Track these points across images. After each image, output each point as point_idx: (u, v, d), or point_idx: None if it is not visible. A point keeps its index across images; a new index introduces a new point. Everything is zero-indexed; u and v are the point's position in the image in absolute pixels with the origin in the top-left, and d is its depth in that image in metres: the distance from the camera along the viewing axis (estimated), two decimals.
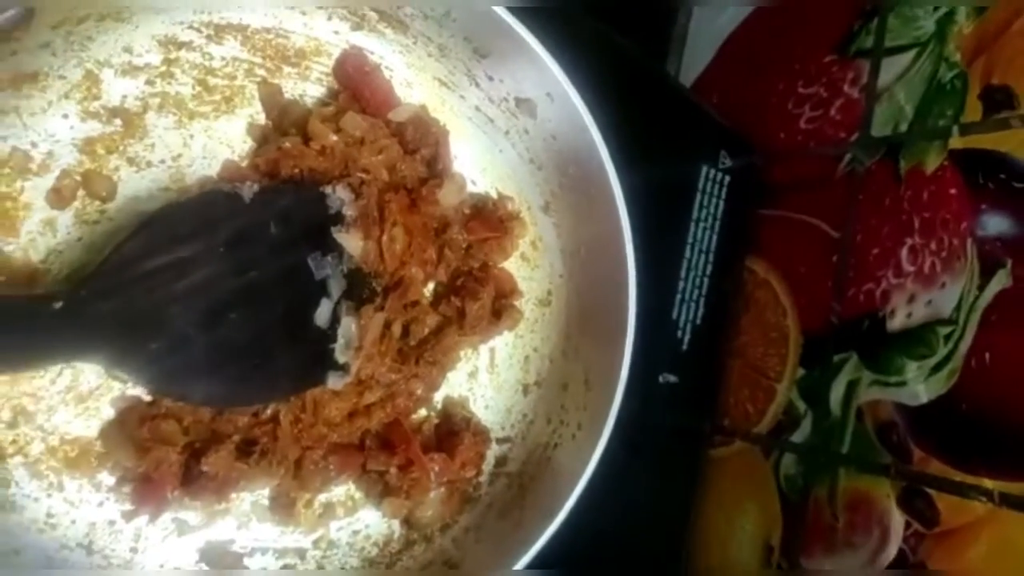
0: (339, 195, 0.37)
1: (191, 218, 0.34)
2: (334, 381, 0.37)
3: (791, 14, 0.59)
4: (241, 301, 0.34)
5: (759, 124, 0.59)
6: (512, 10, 0.36)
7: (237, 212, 0.35)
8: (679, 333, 0.56)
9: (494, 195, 0.44)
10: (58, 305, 0.31)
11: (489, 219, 0.42)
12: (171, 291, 0.33)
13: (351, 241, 0.36)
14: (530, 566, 0.37)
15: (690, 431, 0.58)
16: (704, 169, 0.56)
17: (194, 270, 0.33)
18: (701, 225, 0.57)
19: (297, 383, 0.37)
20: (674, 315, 0.56)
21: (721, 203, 0.57)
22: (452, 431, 0.42)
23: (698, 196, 0.56)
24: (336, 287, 0.37)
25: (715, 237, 0.57)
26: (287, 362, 0.36)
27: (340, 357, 0.37)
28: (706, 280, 0.57)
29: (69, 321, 0.31)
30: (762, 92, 0.60)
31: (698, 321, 0.57)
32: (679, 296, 0.56)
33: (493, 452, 0.44)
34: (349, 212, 0.37)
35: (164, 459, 0.36)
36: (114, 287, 0.32)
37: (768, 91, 0.59)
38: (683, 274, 0.56)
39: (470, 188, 0.43)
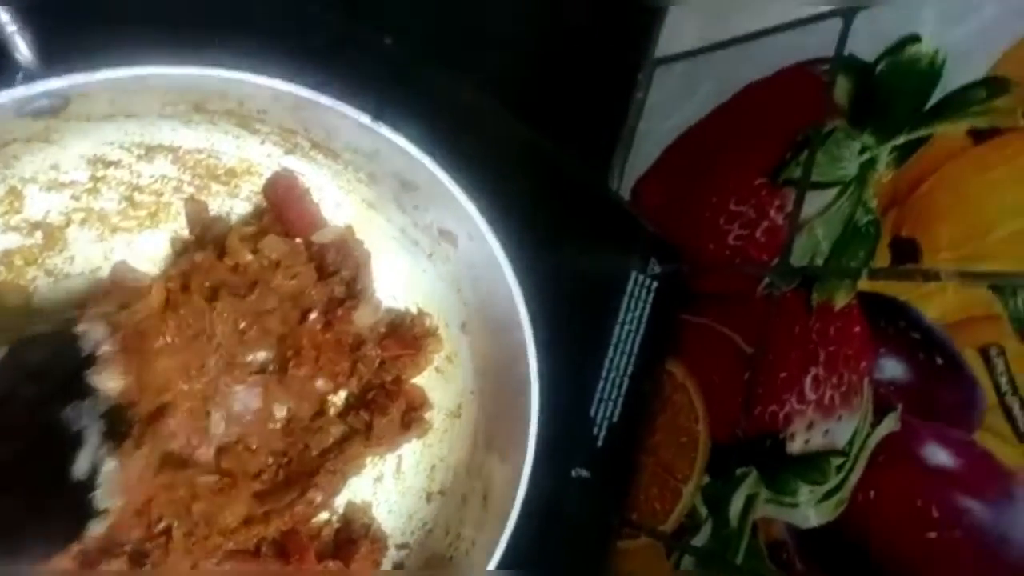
0: (92, 336, 0.34)
1: None
2: (94, 528, 0.34)
3: (732, 132, 0.61)
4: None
5: (692, 232, 0.62)
6: (444, 126, 0.37)
7: None
8: (595, 430, 0.58)
9: (414, 311, 0.45)
10: None
11: (404, 337, 0.43)
12: None
13: (106, 382, 0.33)
14: None
15: (600, 525, 0.60)
16: (633, 274, 0.59)
17: None
18: (626, 328, 0.59)
19: (63, 542, 0.34)
20: (592, 412, 0.58)
21: (647, 307, 0.59)
22: (351, 539, 0.43)
23: (625, 300, 0.58)
24: (93, 434, 0.33)
25: (639, 339, 0.59)
26: (53, 524, 0.33)
27: (100, 504, 0.34)
28: (627, 380, 0.59)
29: None
30: (698, 201, 0.62)
31: (615, 419, 0.59)
32: (598, 394, 0.58)
33: (391, 557, 0.45)
34: (105, 349, 0.34)
35: (54, 566, 0.36)
36: None
37: (704, 202, 0.62)
38: (604, 373, 0.58)
39: (391, 303, 0.44)
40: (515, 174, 0.46)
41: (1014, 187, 0.43)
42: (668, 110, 0.67)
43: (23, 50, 0.31)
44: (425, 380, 0.46)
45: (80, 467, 0.33)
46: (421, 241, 0.43)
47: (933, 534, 0.42)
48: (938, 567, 0.42)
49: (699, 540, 0.55)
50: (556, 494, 0.56)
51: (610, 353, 0.58)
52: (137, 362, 0.34)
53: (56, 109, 0.31)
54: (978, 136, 0.45)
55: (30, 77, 0.29)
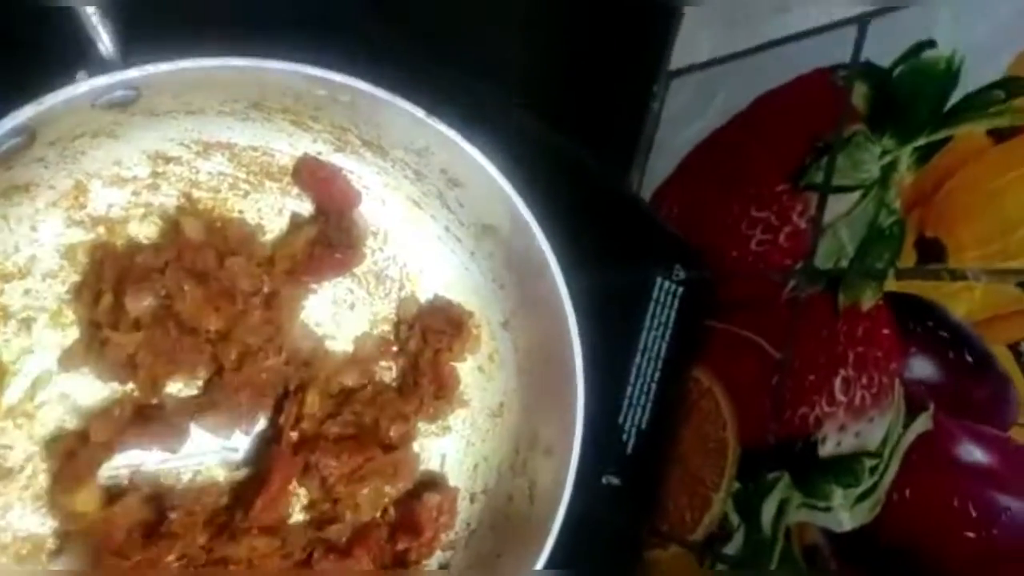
0: None
1: None
2: None
3: (752, 139, 0.63)
4: None
5: (714, 239, 0.62)
6: (480, 132, 0.38)
7: None
8: (624, 436, 0.59)
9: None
10: None
11: (449, 313, 0.44)
12: None
13: None
14: None
15: (629, 533, 0.60)
16: (659, 280, 0.59)
17: None
18: (653, 333, 0.59)
19: None
20: (621, 419, 0.58)
21: (673, 313, 0.60)
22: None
23: (651, 305, 0.59)
24: None
25: (665, 345, 0.60)
26: None
27: None
28: (654, 386, 0.60)
29: None
30: (719, 209, 0.63)
31: (643, 426, 0.59)
32: (627, 400, 0.58)
33: (436, 558, 0.45)
34: None
35: None
36: None
37: (724, 209, 0.63)
38: (632, 379, 0.59)
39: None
40: (539, 178, 0.46)
41: None
42: (685, 120, 0.68)
43: (106, 42, 0.32)
44: (467, 379, 0.46)
45: None
46: (464, 239, 0.44)
47: (971, 534, 0.42)
48: (977, 567, 0.41)
49: (731, 548, 0.54)
50: (587, 502, 0.55)
51: (637, 359, 0.59)
52: None
53: (128, 101, 0.32)
54: (998, 136, 0.46)
55: (107, 69, 0.30)
